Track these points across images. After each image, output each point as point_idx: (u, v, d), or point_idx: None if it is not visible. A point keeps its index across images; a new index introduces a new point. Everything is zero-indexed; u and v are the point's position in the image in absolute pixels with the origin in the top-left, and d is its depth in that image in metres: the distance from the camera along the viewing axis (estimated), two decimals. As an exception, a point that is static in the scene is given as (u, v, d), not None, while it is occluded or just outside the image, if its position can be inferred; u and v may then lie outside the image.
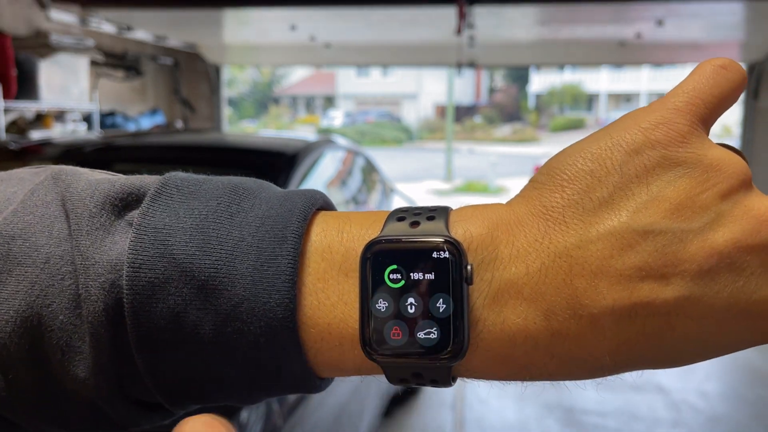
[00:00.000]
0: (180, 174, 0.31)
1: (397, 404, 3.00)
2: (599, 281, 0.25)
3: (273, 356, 0.28)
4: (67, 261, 0.28)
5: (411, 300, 0.27)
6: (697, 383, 3.36)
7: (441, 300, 0.27)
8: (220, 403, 0.30)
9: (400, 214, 0.29)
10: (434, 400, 3.15)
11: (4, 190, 0.31)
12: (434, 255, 0.27)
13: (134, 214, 0.29)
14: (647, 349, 0.26)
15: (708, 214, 0.26)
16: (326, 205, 0.31)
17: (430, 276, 0.27)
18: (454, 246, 0.27)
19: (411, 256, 0.27)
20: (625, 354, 0.26)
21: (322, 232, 0.29)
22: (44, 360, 0.28)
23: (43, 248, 0.28)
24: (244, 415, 1.23)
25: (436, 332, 0.27)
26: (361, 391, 2.07)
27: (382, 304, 0.27)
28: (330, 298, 0.28)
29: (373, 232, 0.28)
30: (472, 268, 0.26)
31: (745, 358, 3.73)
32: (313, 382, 0.29)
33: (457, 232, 0.27)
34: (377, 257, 0.27)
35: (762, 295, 0.26)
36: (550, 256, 0.26)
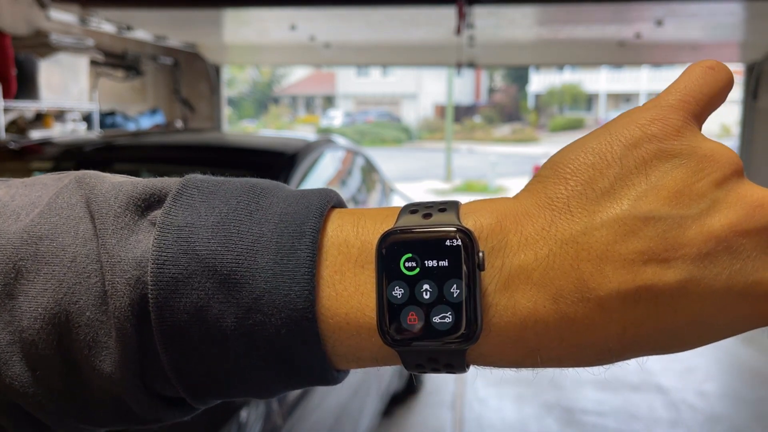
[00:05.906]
0: (199, 175, 0.32)
1: (396, 404, 3.00)
2: (605, 265, 0.27)
3: (293, 347, 0.28)
4: (92, 259, 0.29)
5: (426, 286, 0.28)
6: (697, 383, 3.36)
7: (455, 285, 0.28)
8: (239, 398, 0.31)
9: (412, 208, 0.30)
10: (434, 399, 3.15)
11: (29, 194, 0.32)
12: (447, 243, 0.28)
13: (157, 214, 0.30)
14: (653, 331, 0.27)
15: (704, 201, 0.27)
16: (339, 203, 0.32)
17: (444, 263, 0.28)
18: (466, 235, 0.28)
19: (425, 244, 0.28)
20: (632, 337, 0.27)
21: (338, 228, 0.30)
22: (72, 356, 0.29)
23: (69, 248, 0.29)
24: (243, 414, 1.23)
25: (450, 316, 0.28)
26: (361, 391, 2.07)
27: (398, 291, 0.28)
28: (347, 289, 0.29)
29: (387, 226, 0.29)
30: (483, 255, 0.28)
31: (745, 358, 3.73)
32: (331, 373, 0.30)
33: (468, 223, 0.29)
34: (393, 247, 0.28)
35: (758, 277, 0.27)
36: (557, 242, 0.27)
